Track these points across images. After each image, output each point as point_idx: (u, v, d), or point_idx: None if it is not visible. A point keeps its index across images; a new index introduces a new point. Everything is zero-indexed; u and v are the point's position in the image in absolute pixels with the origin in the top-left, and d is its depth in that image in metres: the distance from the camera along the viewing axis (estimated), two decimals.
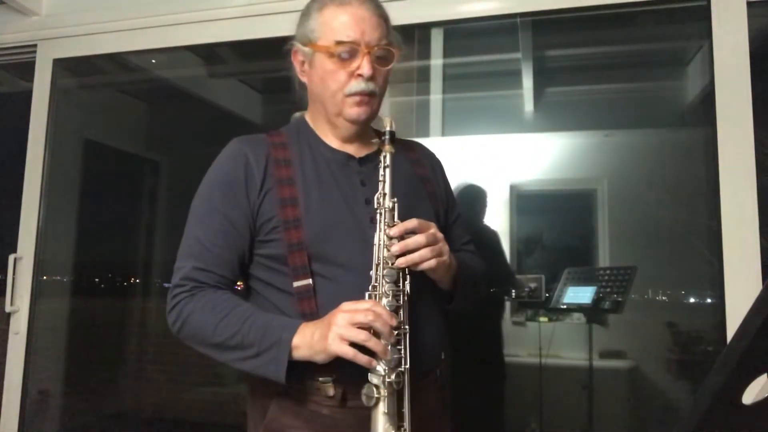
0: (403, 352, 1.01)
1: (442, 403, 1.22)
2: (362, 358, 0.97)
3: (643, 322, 3.41)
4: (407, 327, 1.03)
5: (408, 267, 1.05)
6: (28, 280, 2.31)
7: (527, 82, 3.25)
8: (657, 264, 3.38)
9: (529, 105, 3.64)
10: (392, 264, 1.04)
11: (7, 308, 2.29)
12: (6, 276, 2.30)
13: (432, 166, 1.33)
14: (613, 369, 3.41)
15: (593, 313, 3.17)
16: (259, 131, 1.24)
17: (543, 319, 3.33)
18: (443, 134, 2.30)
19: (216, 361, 1.08)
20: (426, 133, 2.28)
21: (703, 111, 1.83)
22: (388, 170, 1.08)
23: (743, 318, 0.57)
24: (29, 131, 2.39)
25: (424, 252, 1.05)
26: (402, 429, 0.98)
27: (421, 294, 1.10)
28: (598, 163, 3.94)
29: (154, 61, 2.79)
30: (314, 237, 1.10)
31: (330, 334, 0.97)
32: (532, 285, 2.35)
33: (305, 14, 1.19)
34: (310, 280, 1.08)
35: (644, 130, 3.74)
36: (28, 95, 2.41)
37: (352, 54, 1.12)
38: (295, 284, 1.09)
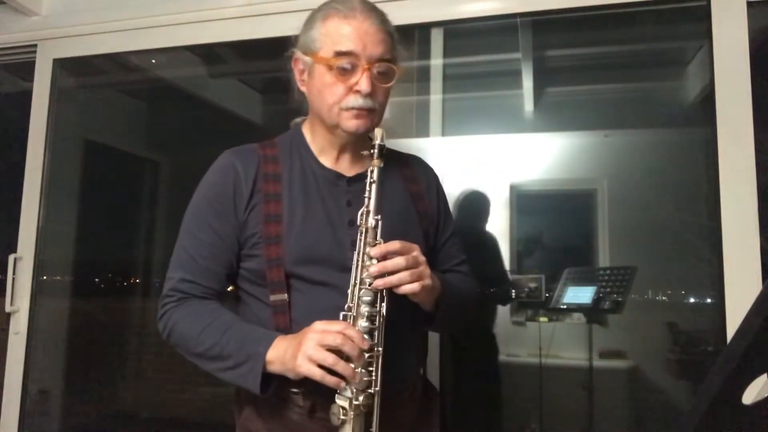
0: (374, 374, 0.99)
1: (424, 411, 1.21)
2: (330, 380, 0.95)
3: (643, 322, 3.41)
4: (381, 349, 1.01)
5: (386, 289, 1.02)
6: (28, 280, 2.31)
7: (527, 82, 3.25)
8: (657, 264, 3.38)
9: (529, 105, 3.63)
10: (370, 285, 1.02)
11: (7, 308, 2.29)
12: (6, 276, 2.30)
13: (428, 182, 1.29)
14: (613, 369, 3.41)
15: (593, 313, 3.17)
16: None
17: (543, 319, 3.33)
18: (443, 134, 2.30)
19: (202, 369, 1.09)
20: (426, 134, 2.27)
21: (703, 111, 1.83)
22: (374, 186, 1.05)
23: (743, 318, 0.57)
24: (29, 131, 2.39)
25: (403, 275, 1.02)
26: None
27: (399, 315, 1.07)
28: (598, 163, 3.94)
29: (154, 61, 2.79)
30: (293, 255, 1.10)
31: (299, 355, 0.96)
32: (532, 285, 2.34)
33: (309, 22, 1.15)
34: (285, 296, 1.09)
35: (644, 130, 3.73)
36: (28, 95, 2.41)
37: (352, 68, 1.09)
38: (272, 298, 1.10)
